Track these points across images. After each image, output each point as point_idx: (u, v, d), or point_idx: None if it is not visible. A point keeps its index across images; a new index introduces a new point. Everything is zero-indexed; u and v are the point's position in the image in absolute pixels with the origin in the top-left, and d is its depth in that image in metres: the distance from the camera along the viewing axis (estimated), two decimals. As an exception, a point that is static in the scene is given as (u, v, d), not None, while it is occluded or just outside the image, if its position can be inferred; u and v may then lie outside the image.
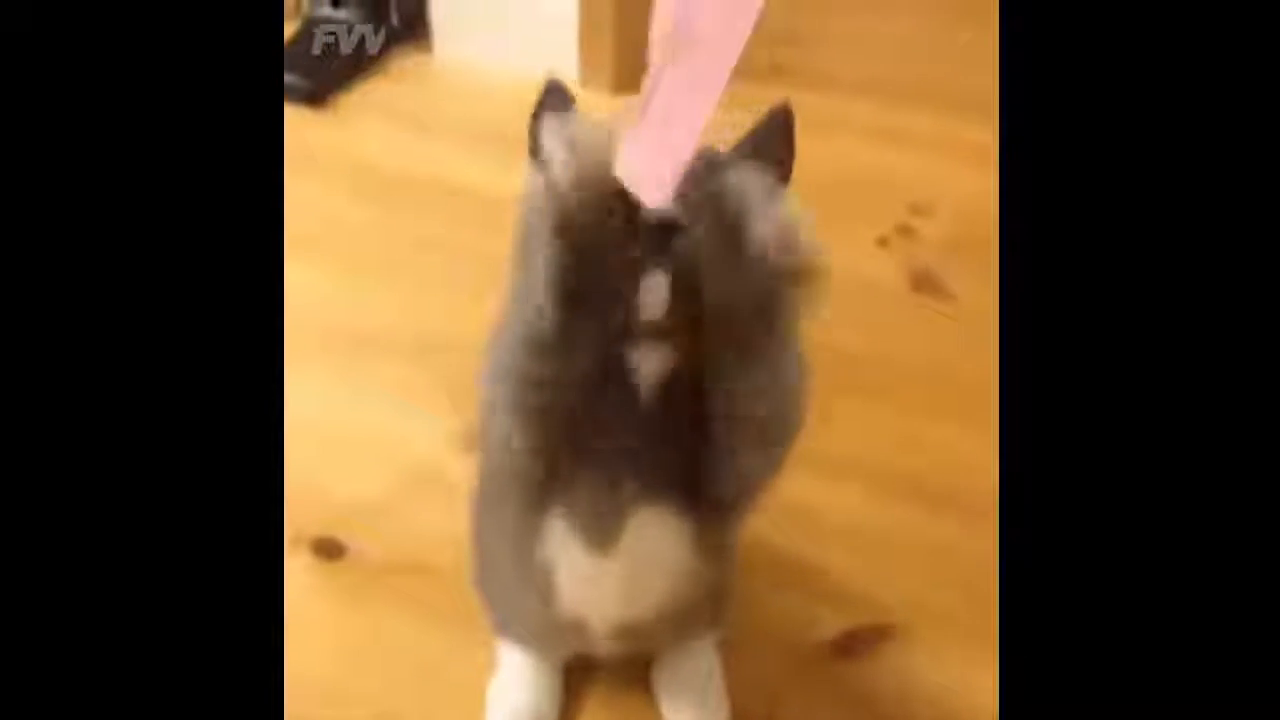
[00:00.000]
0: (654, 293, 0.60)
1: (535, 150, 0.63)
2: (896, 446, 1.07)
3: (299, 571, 0.94)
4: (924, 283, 1.26)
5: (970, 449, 1.05)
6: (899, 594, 0.95)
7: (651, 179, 0.56)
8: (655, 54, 0.56)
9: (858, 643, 0.91)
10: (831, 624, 0.92)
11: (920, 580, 0.96)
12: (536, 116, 0.64)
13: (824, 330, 1.16)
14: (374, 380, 1.13)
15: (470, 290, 1.23)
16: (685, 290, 0.59)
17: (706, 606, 0.79)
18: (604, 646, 0.78)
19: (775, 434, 0.67)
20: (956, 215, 1.35)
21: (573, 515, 0.68)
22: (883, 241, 1.30)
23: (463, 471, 1.00)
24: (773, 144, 0.65)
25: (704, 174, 0.60)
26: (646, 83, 0.56)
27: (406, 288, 1.25)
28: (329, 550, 0.96)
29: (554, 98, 0.65)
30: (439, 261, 1.27)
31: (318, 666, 0.87)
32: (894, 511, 1.01)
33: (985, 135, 1.41)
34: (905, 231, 1.33)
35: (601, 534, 0.68)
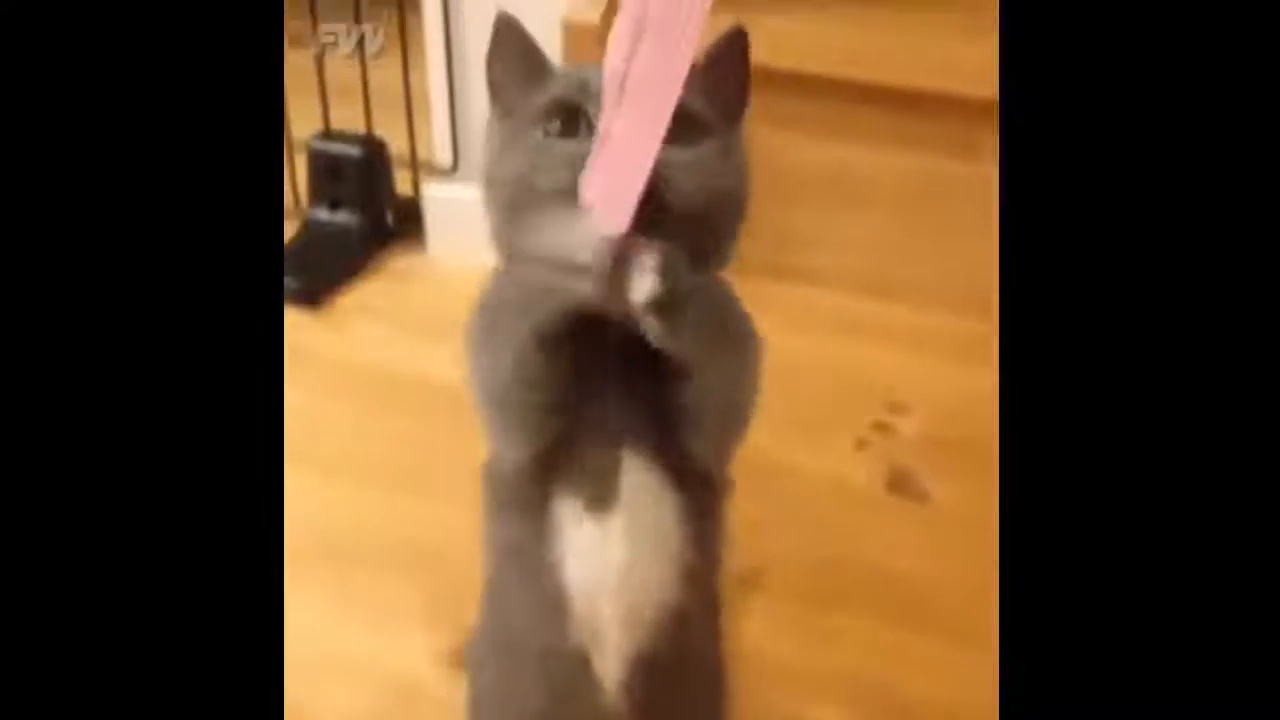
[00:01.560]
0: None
1: (493, 91, 0.70)
2: (878, 657, 1.09)
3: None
4: (901, 484, 1.28)
5: (953, 658, 1.06)
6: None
7: (612, 206, 0.62)
8: (607, 99, 0.63)
9: None
10: None
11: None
12: (491, 55, 0.70)
13: (802, 537, 1.20)
14: (359, 594, 1.14)
15: (464, 498, 1.26)
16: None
17: (706, 646, 0.80)
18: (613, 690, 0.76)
19: (730, 412, 0.72)
20: (935, 412, 1.38)
21: (570, 480, 0.71)
22: (861, 444, 1.33)
23: (447, 688, 1.02)
24: (728, 67, 0.69)
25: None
26: (600, 126, 0.63)
27: (398, 494, 1.27)
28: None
29: (506, 34, 0.70)
30: (432, 466, 1.30)
31: None
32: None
33: (964, 329, 1.46)
34: (882, 429, 1.36)
35: (600, 491, 0.70)
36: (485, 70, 0.71)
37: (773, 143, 1.54)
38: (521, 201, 0.67)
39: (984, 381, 1.39)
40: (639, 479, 0.71)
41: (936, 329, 1.49)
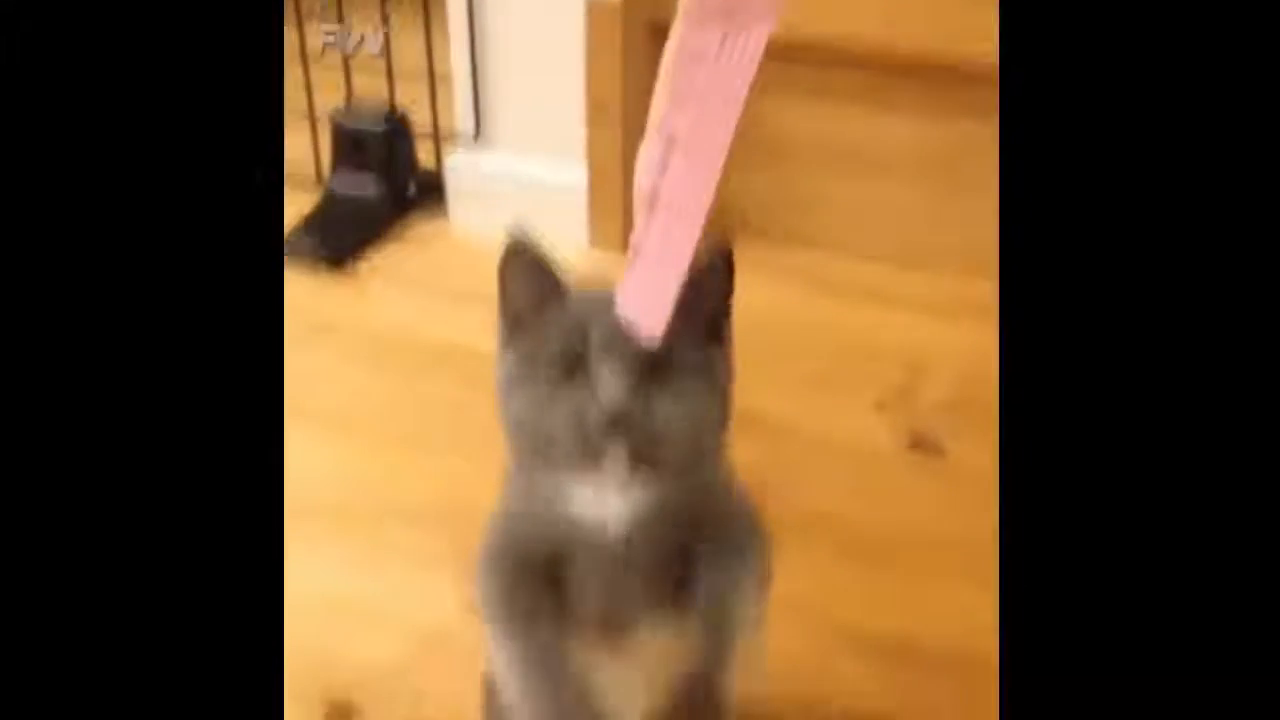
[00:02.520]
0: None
1: (504, 303, 0.71)
2: (900, 612, 1.10)
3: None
4: (922, 444, 1.30)
5: (973, 609, 1.08)
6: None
7: (648, 316, 0.65)
8: (638, 209, 0.65)
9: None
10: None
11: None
12: (503, 274, 0.70)
13: (825, 498, 1.21)
14: (389, 546, 1.16)
15: (486, 456, 1.28)
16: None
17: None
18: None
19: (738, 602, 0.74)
20: (954, 375, 1.39)
21: (586, 642, 0.73)
22: (881, 405, 1.35)
23: (475, 636, 1.03)
24: (712, 286, 0.70)
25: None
26: (634, 235, 0.65)
27: (423, 454, 1.29)
28: (343, 715, 0.99)
29: (519, 253, 0.70)
30: (455, 427, 1.32)
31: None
32: (899, 678, 1.04)
33: (983, 295, 1.46)
34: (903, 393, 1.37)
35: (615, 645, 0.73)
36: (498, 279, 0.70)
37: (798, 112, 1.56)
38: (528, 439, 0.70)
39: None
40: (653, 633, 0.73)
41: (957, 293, 1.50)
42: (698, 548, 0.72)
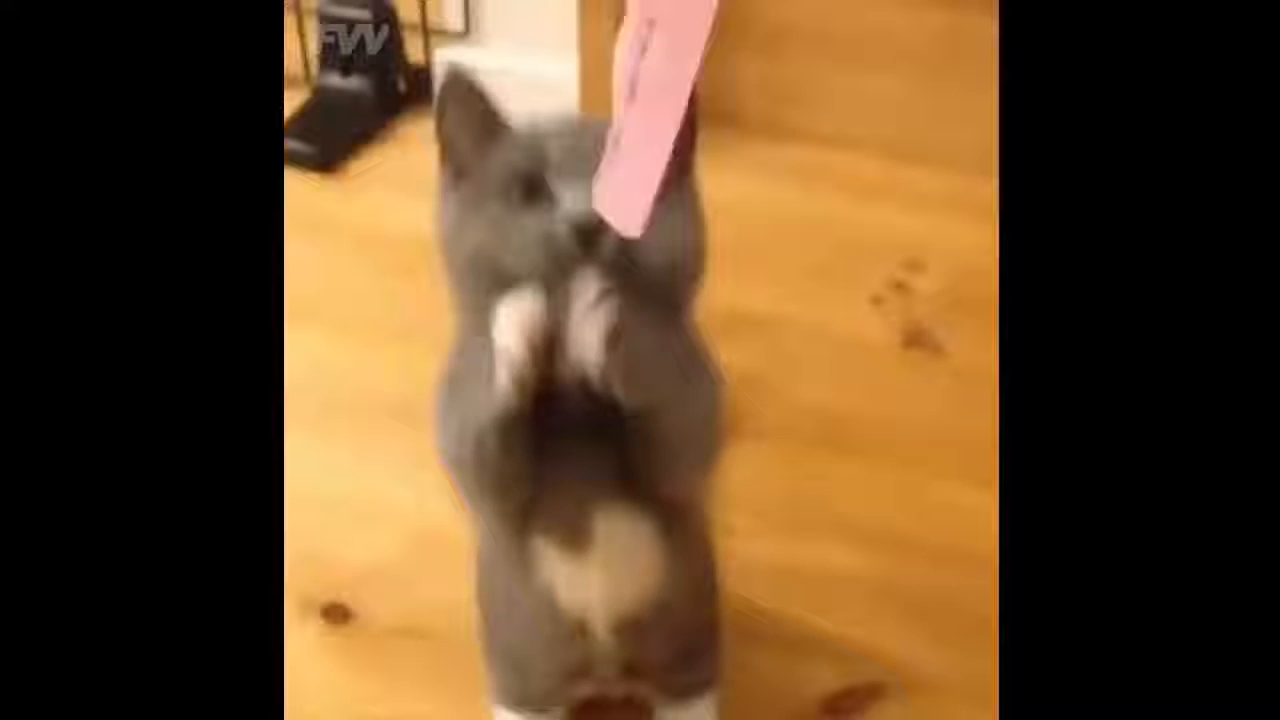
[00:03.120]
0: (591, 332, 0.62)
1: (444, 150, 0.68)
2: (894, 505, 1.10)
3: (307, 637, 0.97)
4: (918, 340, 1.29)
5: (970, 506, 1.08)
6: (894, 653, 0.97)
7: (627, 212, 0.61)
8: (618, 96, 0.61)
9: (850, 701, 0.94)
10: (824, 683, 0.95)
11: (917, 639, 0.98)
12: (440, 111, 0.67)
13: (821, 394, 1.20)
14: (380, 446, 1.16)
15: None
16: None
17: (694, 611, 0.82)
18: (608, 660, 0.79)
19: (694, 455, 0.73)
20: (951, 271, 1.38)
21: (548, 530, 0.73)
22: (876, 300, 1.33)
23: (469, 534, 1.04)
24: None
25: None
26: (613, 125, 0.61)
27: (412, 352, 1.28)
28: (337, 615, 0.99)
29: (456, 88, 0.67)
30: (446, 325, 1.30)
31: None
32: (891, 570, 1.04)
33: (981, 190, 1.44)
34: (899, 288, 1.35)
35: (575, 534, 0.72)
36: (434, 127, 0.68)
37: (797, 4, 1.52)
38: (484, 276, 0.66)
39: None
40: (611, 520, 0.72)
41: (955, 189, 1.47)
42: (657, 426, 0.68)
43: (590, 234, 0.62)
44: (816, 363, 1.26)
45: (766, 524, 1.06)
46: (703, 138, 0.68)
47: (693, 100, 0.64)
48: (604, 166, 0.62)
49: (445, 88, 0.67)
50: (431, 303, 1.37)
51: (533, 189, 0.64)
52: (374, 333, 1.31)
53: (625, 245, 0.62)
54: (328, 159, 1.56)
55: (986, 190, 1.49)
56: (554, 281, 0.62)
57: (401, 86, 1.66)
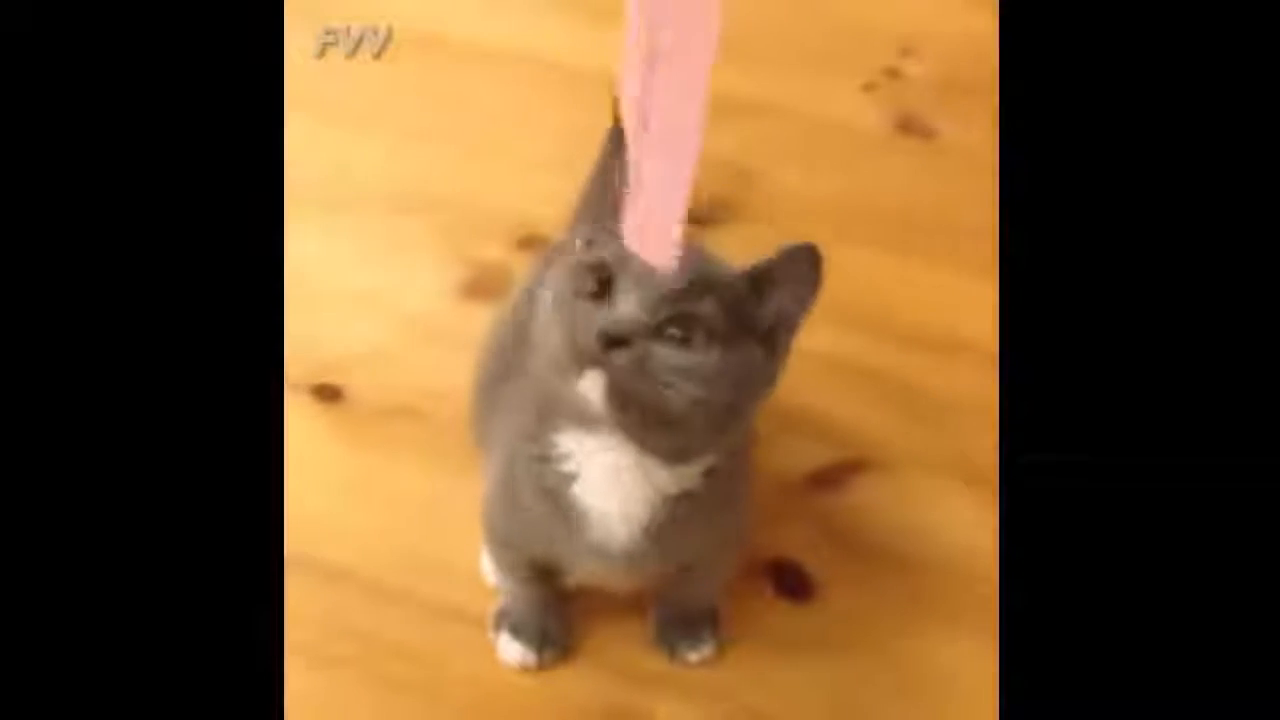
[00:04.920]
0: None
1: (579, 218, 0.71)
2: (884, 289, 1.10)
3: (297, 414, 0.98)
4: (910, 126, 1.27)
5: (960, 289, 1.08)
6: (877, 431, 0.99)
7: (656, 245, 0.62)
8: (629, 130, 0.61)
9: (834, 474, 0.96)
10: (812, 457, 0.97)
11: (900, 418, 1.00)
12: (613, 153, 0.66)
13: (809, 178, 1.19)
14: (370, 232, 1.15)
15: (467, 144, 1.25)
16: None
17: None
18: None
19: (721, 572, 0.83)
20: (944, 56, 1.35)
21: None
22: (869, 87, 1.31)
23: (459, 321, 1.04)
24: (785, 281, 0.67)
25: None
26: (631, 163, 0.61)
27: (402, 142, 1.26)
28: (327, 394, 1.00)
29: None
30: (439, 114, 1.28)
31: (315, 503, 0.91)
32: (878, 352, 1.05)
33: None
34: (891, 73, 1.33)
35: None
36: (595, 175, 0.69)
37: None
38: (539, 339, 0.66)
39: (992, 25, 1.35)
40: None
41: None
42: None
43: (613, 344, 0.61)
44: (807, 149, 1.24)
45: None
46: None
47: (814, 269, 0.66)
48: (628, 203, 0.62)
49: (613, 139, 0.66)
50: (420, 92, 1.35)
51: (605, 283, 0.64)
52: (357, 119, 1.28)
53: (632, 371, 0.61)
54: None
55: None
56: (569, 366, 0.63)
57: None
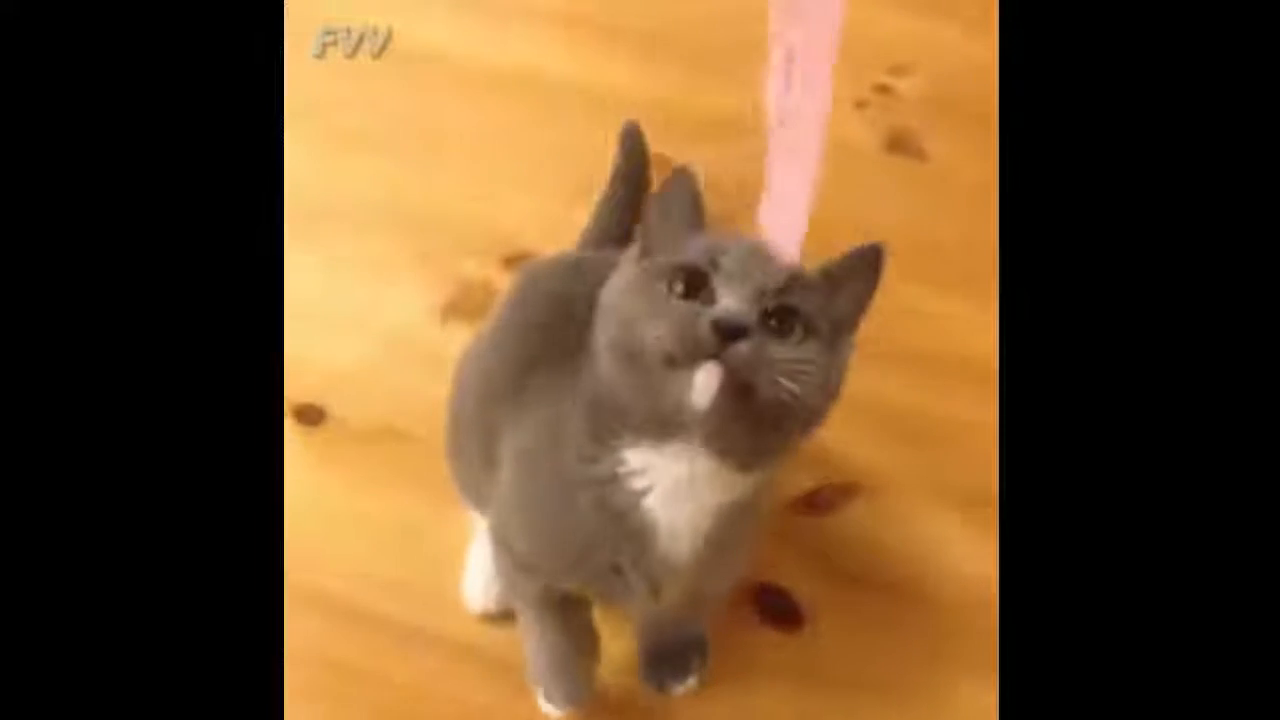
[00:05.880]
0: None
1: (645, 227, 0.68)
2: (873, 310, 1.08)
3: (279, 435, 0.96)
4: (899, 144, 1.26)
5: (946, 311, 1.07)
6: (867, 457, 0.98)
7: (784, 230, 0.68)
8: (771, 124, 0.66)
9: (823, 499, 0.94)
10: (800, 483, 0.95)
11: (889, 442, 0.99)
12: (657, 195, 0.68)
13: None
14: (353, 253, 1.13)
15: (450, 165, 1.24)
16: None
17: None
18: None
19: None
20: (936, 74, 1.34)
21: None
22: (861, 104, 1.30)
23: (441, 340, 1.03)
24: (854, 281, 0.68)
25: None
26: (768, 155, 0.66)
27: (386, 162, 1.24)
28: (309, 416, 0.98)
29: (680, 185, 0.68)
30: (420, 133, 1.27)
31: (296, 529, 0.89)
32: (864, 375, 1.03)
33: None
34: (883, 90, 1.32)
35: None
36: (645, 206, 0.68)
37: None
38: (623, 347, 0.64)
39: (985, 45, 1.34)
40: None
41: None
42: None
43: (730, 335, 0.60)
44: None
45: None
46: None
47: (875, 271, 0.68)
48: (765, 196, 0.62)
49: (670, 181, 0.68)
50: (400, 111, 1.34)
51: (696, 284, 0.63)
52: (342, 139, 1.27)
53: (753, 359, 0.60)
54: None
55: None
56: (680, 362, 0.61)
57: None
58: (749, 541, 0.76)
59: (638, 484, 0.67)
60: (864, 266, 0.67)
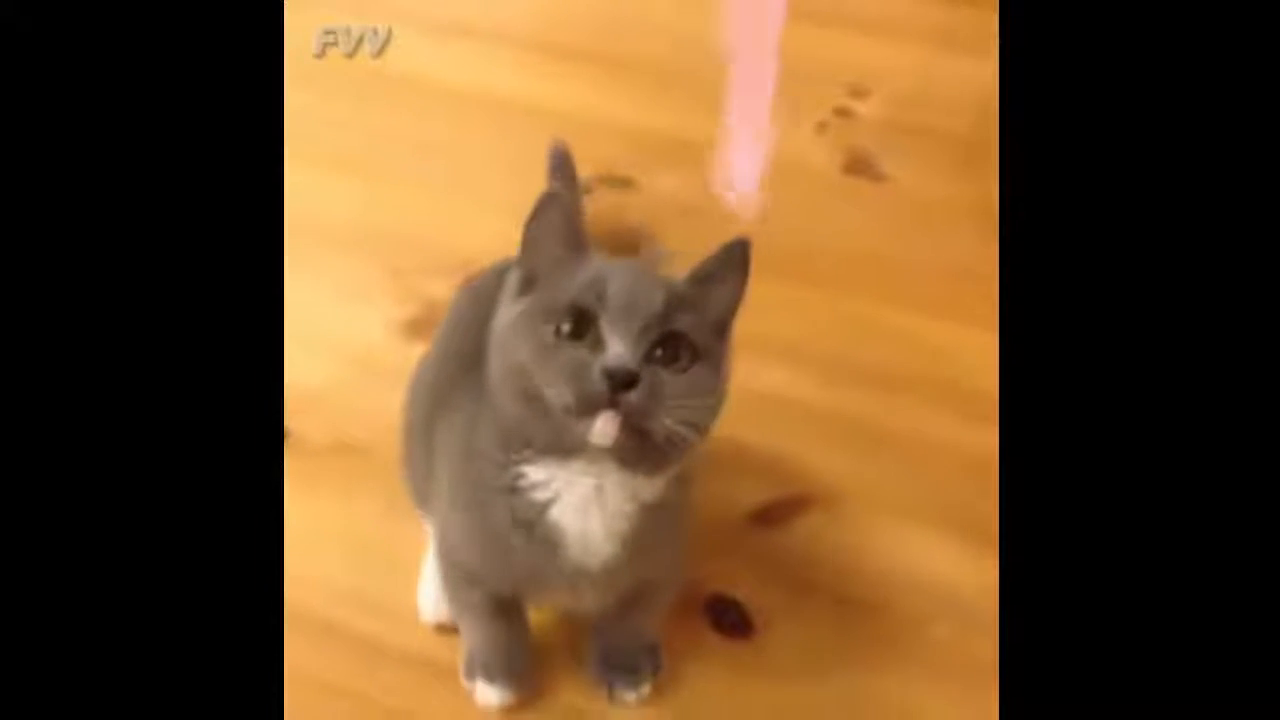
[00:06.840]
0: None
1: (524, 251, 0.70)
2: (827, 327, 1.11)
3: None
4: (858, 167, 1.28)
5: (900, 328, 1.09)
6: (821, 469, 0.99)
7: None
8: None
9: (777, 512, 0.96)
10: (755, 495, 0.97)
11: (843, 455, 1.00)
12: (533, 218, 0.69)
13: (764, 218, 1.20)
14: (314, 270, 1.15)
15: (411, 181, 1.26)
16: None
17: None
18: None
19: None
20: (895, 97, 1.36)
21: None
22: (821, 127, 1.32)
23: (404, 358, 1.04)
24: (725, 279, 0.69)
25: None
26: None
27: (348, 178, 1.26)
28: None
29: (551, 207, 0.69)
30: (387, 151, 1.29)
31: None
32: (820, 390, 1.05)
33: (929, 16, 1.43)
34: (843, 113, 1.34)
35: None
36: (523, 229, 0.69)
37: None
38: (519, 389, 0.66)
39: (945, 67, 1.37)
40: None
41: (900, 14, 1.46)
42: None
43: (623, 385, 0.63)
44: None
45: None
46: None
47: (744, 265, 0.69)
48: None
49: (542, 204, 0.69)
50: (368, 129, 1.36)
51: (583, 324, 0.65)
52: (310, 157, 1.28)
53: (647, 404, 0.63)
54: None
55: (933, 14, 1.48)
56: (581, 411, 0.64)
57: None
58: (682, 538, 0.78)
59: (541, 495, 0.70)
60: (733, 264, 0.69)
